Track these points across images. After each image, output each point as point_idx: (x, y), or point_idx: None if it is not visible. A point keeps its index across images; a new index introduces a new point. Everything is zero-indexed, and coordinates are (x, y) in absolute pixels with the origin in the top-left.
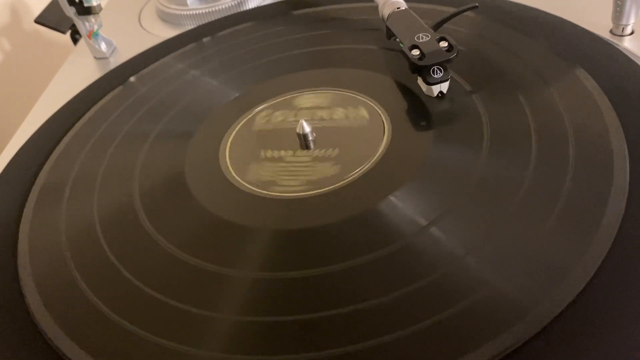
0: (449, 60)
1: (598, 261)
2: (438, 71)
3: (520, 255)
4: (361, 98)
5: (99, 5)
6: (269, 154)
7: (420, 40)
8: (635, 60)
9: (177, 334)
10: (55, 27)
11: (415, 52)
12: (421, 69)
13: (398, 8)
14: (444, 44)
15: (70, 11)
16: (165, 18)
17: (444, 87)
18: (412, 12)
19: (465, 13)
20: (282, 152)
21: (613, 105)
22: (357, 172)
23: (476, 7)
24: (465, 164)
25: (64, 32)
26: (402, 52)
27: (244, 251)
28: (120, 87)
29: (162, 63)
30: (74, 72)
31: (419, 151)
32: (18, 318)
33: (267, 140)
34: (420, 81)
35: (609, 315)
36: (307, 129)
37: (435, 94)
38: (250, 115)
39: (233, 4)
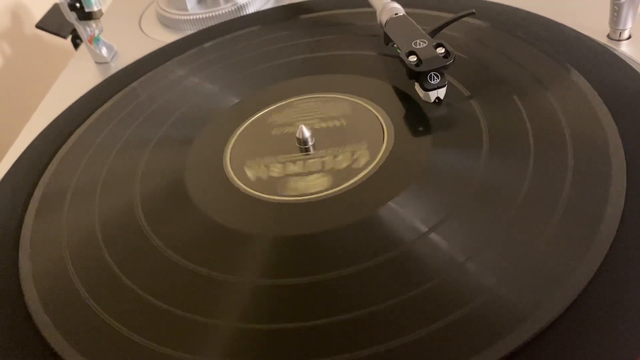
0: (445, 67)
1: (596, 266)
2: (435, 77)
3: (519, 261)
4: (361, 103)
5: (100, 10)
6: (270, 159)
7: (418, 47)
8: (633, 65)
9: (179, 342)
10: (56, 32)
11: (413, 58)
12: (418, 75)
13: (396, 14)
14: (441, 50)
15: (72, 16)
16: (166, 23)
17: (441, 93)
18: (409, 18)
19: (463, 19)
20: (283, 157)
21: (610, 110)
22: (357, 177)
23: (473, 13)
24: (464, 170)
25: (65, 37)
26: (400, 58)
27: (245, 257)
28: (121, 93)
29: (162, 68)
30: (75, 77)
31: (419, 157)
32: (20, 325)
33: (268, 145)
34: (417, 87)
35: (607, 320)
36: (307, 133)
37: (432, 100)
38: (250, 121)
39: (233, 9)
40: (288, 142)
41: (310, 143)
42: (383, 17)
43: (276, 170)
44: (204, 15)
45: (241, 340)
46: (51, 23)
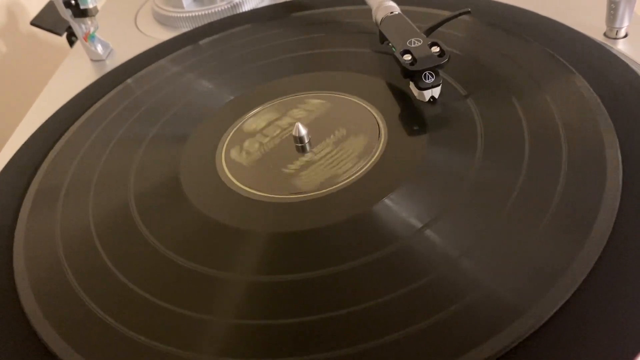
0: (440, 66)
1: (591, 263)
2: (430, 76)
3: (513, 257)
4: (357, 101)
5: (95, 7)
6: (265, 156)
7: (413, 45)
8: (629, 63)
9: (175, 338)
10: (51, 29)
11: (407, 57)
12: (413, 74)
13: (391, 12)
14: (435, 49)
15: (67, 13)
16: (162, 20)
17: (436, 92)
18: (405, 16)
19: (459, 17)
20: (278, 155)
21: (606, 108)
22: (352, 174)
23: (469, 12)
24: (460, 167)
25: (60, 34)
26: (395, 56)
27: (240, 254)
28: (117, 90)
29: (158, 65)
30: (71, 74)
31: (414, 154)
32: (14, 322)
33: (263, 143)
34: (412, 86)
35: (602, 316)
36: (303, 131)
37: (427, 99)
38: (246, 119)
39: (229, 6)
40: (284, 139)
41: (306, 141)
42: (378, 15)
43: (272, 168)
44: (199, 13)
45: (236, 337)
46: (46, 20)
